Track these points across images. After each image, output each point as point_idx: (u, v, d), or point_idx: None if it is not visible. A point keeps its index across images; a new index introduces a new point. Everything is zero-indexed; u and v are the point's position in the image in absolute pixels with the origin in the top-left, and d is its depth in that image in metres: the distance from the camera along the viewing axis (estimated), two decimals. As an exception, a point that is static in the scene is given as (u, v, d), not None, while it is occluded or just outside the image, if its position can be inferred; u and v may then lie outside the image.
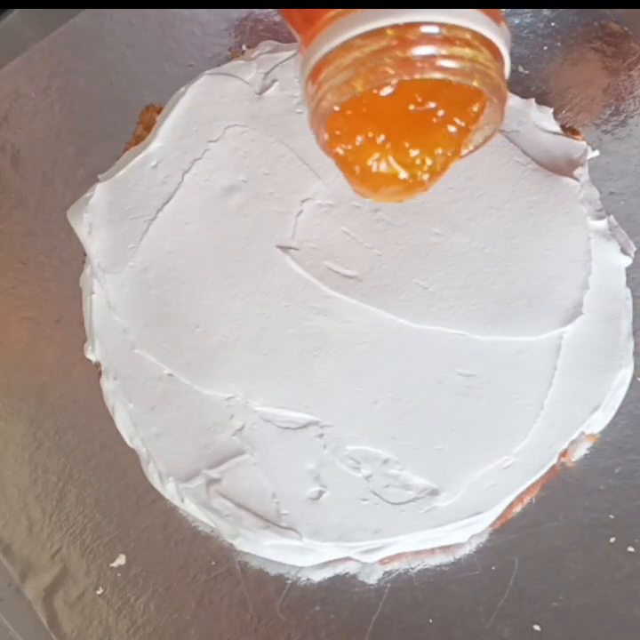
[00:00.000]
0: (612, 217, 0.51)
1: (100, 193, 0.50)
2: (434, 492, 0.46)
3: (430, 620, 0.45)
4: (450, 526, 0.46)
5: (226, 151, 0.51)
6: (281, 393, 0.47)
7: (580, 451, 0.48)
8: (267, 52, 0.53)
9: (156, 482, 0.47)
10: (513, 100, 0.52)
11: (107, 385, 0.48)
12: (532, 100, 0.53)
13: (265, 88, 0.52)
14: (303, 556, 0.46)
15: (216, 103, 0.52)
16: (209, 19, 0.55)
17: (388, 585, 0.46)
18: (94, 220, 0.50)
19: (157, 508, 0.47)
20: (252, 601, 0.46)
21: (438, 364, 0.48)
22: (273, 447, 0.47)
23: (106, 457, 0.48)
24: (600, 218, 0.50)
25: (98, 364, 0.49)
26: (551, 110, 0.53)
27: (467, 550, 0.46)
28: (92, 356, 0.49)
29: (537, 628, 0.45)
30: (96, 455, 0.48)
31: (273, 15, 0.55)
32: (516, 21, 0.55)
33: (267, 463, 0.46)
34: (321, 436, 0.47)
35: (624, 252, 0.50)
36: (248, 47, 0.54)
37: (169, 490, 0.47)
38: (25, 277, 0.51)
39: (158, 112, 0.53)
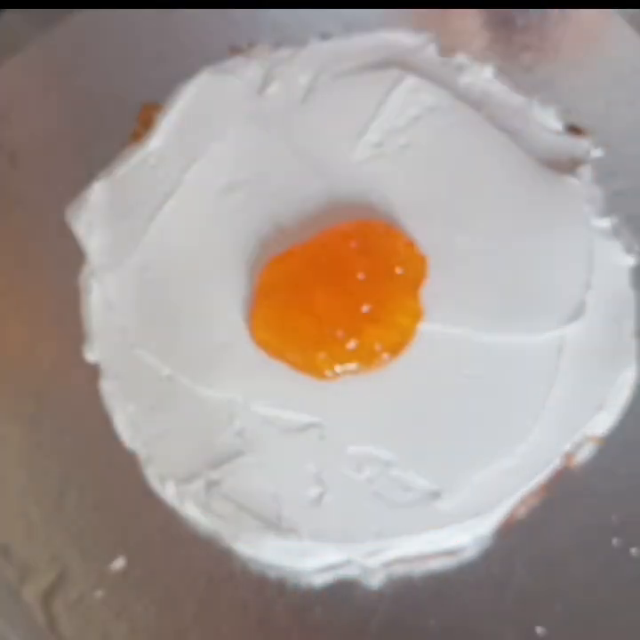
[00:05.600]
0: (615, 216, 0.50)
1: (98, 192, 0.50)
2: (436, 494, 0.45)
3: (433, 624, 0.45)
4: (452, 528, 0.45)
5: (225, 150, 0.51)
6: (282, 394, 0.47)
7: (585, 453, 0.47)
8: (266, 49, 0.53)
9: (155, 484, 0.47)
10: (515, 99, 0.52)
11: (106, 386, 0.48)
12: (535, 98, 0.52)
13: (265, 86, 0.52)
14: (304, 558, 0.46)
15: (215, 101, 0.52)
16: (209, 16, 0.55)
17: (390, 588, 0.46)
18: (93, 220, 0.50)
19: (157, 510, 0.47)
20: (252, 605, 0.46)
21: (440, 365, 0.47)
22: (274, 449, 0.46)
23: (105, 459, 0.47)
24: (603, 217, 0.50)
25: (97, 365, 0.49)
26: (554, 109, 0.52)
27: (470, 553, 0.46)
28: (90, 356, 0.49)
29: (540, 631, 0.45)
30: (95, 457, 0.48)
31: (273, 12, 0.54)
32: (521, 21, 0.55)
33: (267, 465, 0.46)
34: (322, 437, 0.46)
35: (628, 251, 0.50)
36: (248, 44, 0.54)
37: (169, 492, 0.46)
38: (23, 277, 0.51)
39: (157, 110, 0.52)
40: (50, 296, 0.50)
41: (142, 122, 0.52)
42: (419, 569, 0.46)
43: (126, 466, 0.47)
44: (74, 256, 0.51)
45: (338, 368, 0.46)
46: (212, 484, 0.46)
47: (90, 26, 0.55)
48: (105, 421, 0.48)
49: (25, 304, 0.50)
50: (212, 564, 0.46)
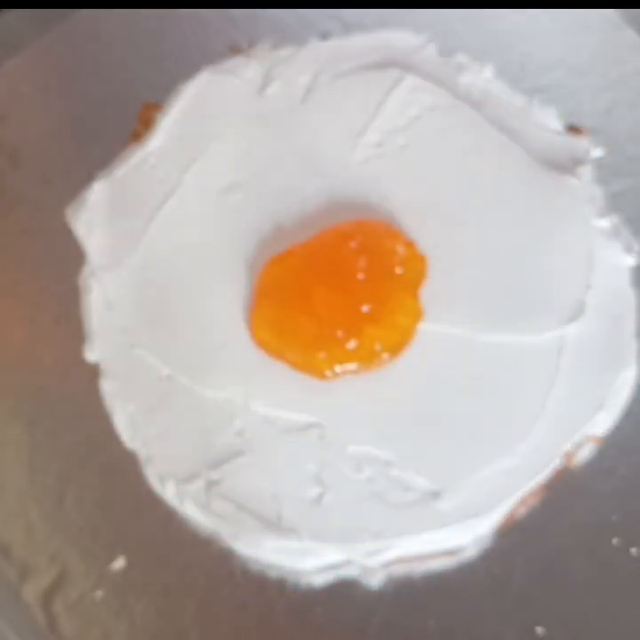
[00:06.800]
0: (615, 216, 0.50)
1: (99, 192, 0.50)
2: (436, 494, 0.45)
3: (432, 624, 0.45)
4: (452, 528, 0.45)
5: (225, 150, 0.51)
6: (282, 394, 0.47)
7: (585, 453, 0.47)
8: (267, 49, 0.53)
9: (155, 484, 0.47)
10: (515, 99, 0.52)
11: (106, 386, 0.48)
12: (535, 98, 0.52)
13: (265, 86, 0.52)
14: (304, 558, 0.45)
15: (216, 101, 0.52)
16: (209, 15, 0.54)
17: (390, 588, 0.46)
18: (93, 219, 0.50)
19: (157, 510, 0.47)
20: (252, 604, 0.45)
21: (440, 365, 0.47)
22: (273, 449, 0.46)
23: (105, 458, 0.47)
24: (603, 217, 0.50)
25: (97, 365, 0.48)
26: (554, 108, 0.52)
27: (470, 553, 0.46)
28: (90, 356, 0.49)
29: (540, 631, 0.45)
30: (95, 457, 0.47)
31: (273, 12, 0.54)
32: (519, 17, 0.55)
33: (267, 465, 0.46)
34: (322, 437, 0.46)
35: (628, 251, 0.50)
36: (248, 44, 0.54)
37: (168, 491, 0.46)
38: (23, 277, 0.51)
39: (158, 110, 0.52)
40: (50, 296, 0.50)
41: (142, 121, 0.52)
42: (418, 569, 0.46)
43: (126, 466, 0.47)
44: (74, 256, 0.51)
45: (338, 368, 0.46)
46: (211, 484, 0.46)
47: (90, 26, 0.54)
48: (105, 421, 0.48)
49: (25, 304, 0.50)
50: (211, 564, 0.46)
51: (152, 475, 0.47)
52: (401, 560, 0.46)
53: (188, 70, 0.53)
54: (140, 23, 0.54)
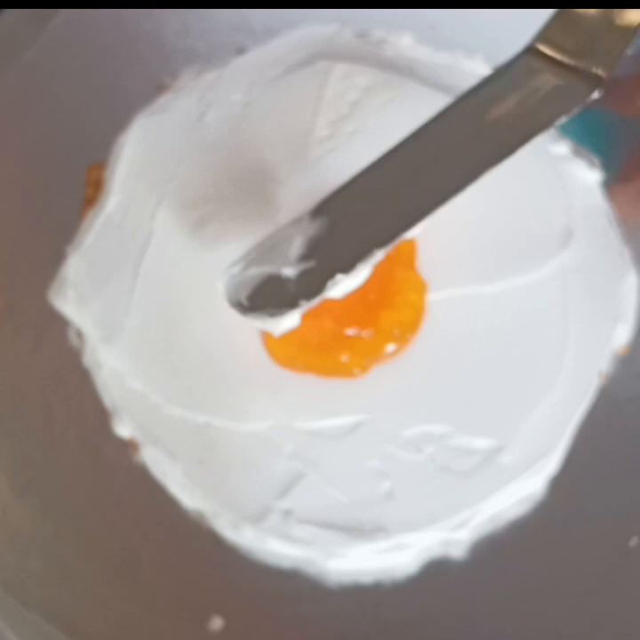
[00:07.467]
0: (568, 141, 0.52)
1: (74, 267, 0.48)
2: (498, 449, 0.46)
3: (525, 576, 0.45)
4: (525, 474, 0.46)
5: (185, 186, 0.50)
6: (320, 404, 0.47)
7: (614, 367, 0.48)
8: (191, 77, 0.52)
9: (228, 533, 0.45)
10: (440, 57, 0.53)
11: (148, 454, 0.46)
12: (459, 51, 0.53)
13: (202, 114, 0.51)
14: (396, 552, 0.45)
15: (159, 143, 0.50)
16: (126, 59, 0.53)
17: (480, 553, 0.46)
18: (78, 296, 0.48)
19: (237, 559, 0.45)
20: (355, 616, 0.45)
21: (458, 327, 0.48)
22: (331, 459, 0.46)
23: (171, 525, 0.46)
24: (557, 143, 0.51)
25: (131, 438, 0.47)
26: (480, 55, 0.53)
27: (543, 495, 0.46)
28: (122, 431, 0.47)
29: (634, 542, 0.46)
30: (160, 528, 0.46)
31: (182, 42, 0.53)
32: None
33: (332, 476, 0.45)
34: (373, 432, 0.46)
35: (591, 168, 0.51)
36: (171, 78, 0.53)
37: (246, 536, 0.45)
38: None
39: (103, 169, 0.50)
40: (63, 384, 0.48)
41: (91, 184, 0.50)
42: (500, 525, 0.46)
43: (190, 526, 0.46)
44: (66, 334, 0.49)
45: (365, 362, 0.46)
46: (287, 514, 0.45)
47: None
48: (158, 489, 0.46)
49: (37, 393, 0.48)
50: (305, 594, 0.45)
51: (224, 525, 0.45)
52: (485, 522, 0.46)
53: (120, 121, 0.51)
54: (63, 86, 0.52)
